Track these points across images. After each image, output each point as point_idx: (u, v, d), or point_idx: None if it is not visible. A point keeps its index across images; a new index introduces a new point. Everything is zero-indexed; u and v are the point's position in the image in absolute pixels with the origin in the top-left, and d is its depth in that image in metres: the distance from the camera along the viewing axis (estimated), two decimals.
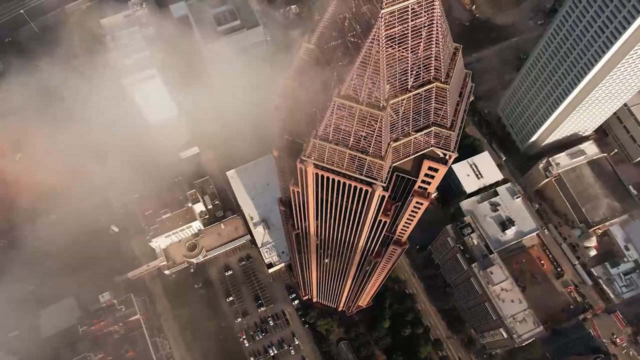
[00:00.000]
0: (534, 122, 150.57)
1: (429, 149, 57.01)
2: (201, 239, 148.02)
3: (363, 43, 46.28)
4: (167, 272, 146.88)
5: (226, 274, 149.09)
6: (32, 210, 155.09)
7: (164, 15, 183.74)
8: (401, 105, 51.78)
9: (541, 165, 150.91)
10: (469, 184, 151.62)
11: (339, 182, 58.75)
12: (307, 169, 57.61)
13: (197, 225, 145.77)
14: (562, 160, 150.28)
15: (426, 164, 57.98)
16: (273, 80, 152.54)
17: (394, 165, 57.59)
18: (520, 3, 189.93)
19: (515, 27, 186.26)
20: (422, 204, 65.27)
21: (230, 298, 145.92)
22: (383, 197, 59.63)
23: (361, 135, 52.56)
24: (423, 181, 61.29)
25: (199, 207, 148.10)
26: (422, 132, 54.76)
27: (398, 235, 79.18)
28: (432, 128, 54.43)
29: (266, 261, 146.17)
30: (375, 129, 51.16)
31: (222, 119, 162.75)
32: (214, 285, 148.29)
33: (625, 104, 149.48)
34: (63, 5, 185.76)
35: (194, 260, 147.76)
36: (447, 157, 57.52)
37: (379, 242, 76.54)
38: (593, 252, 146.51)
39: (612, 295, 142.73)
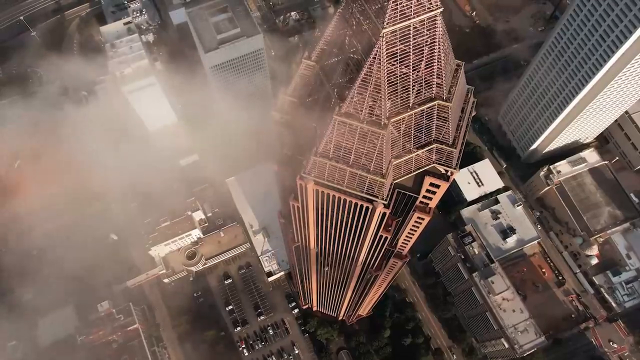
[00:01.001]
0: (535, 130, 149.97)
1: (430, 165, 56.38)
2: (200, 247, 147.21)
3: (364, 61, 45.74)
4: (166, 280, 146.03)
5: (225, 282, 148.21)
6: (31, 218, 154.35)
7: (164, 21, 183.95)
8: (402, 123, 51.18)
9: (542, 173, 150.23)
10: (470, 191, 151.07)
11: (339, 198, 58.09)
12: (308, 185, 56.95)
13: (196, 233, 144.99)
14: (563, 168, 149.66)
15: (428, 180, 57.33)
16: (273, 88, 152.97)
17: (395, 181, 56.91)
18: (520, 10, 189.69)
19: (516, 33, 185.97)
20: (423, 219, 64.63)
21: (230, 307, 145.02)
22: (384, 214, 58.93)
23: (362, 153, 51.91)
24: (424, 197, 60.65)
25: (198, 215, 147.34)
26: (424, 149, 54.11)
27: (399, 249, 78.49)
28: (434, 145, 53.81)
29: (266, 270, 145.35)
30: (376, 147, 50.51)
31: (222, 125, 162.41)
32: (213, 293, 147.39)
33: (626, 111, 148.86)
34: (62, 11, 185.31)
35: (193, 269, 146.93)
36: (449, 173, 56.91)
37: (380, 255, 75.81)
38: (594, 261, 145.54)
39: (613, 304, 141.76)
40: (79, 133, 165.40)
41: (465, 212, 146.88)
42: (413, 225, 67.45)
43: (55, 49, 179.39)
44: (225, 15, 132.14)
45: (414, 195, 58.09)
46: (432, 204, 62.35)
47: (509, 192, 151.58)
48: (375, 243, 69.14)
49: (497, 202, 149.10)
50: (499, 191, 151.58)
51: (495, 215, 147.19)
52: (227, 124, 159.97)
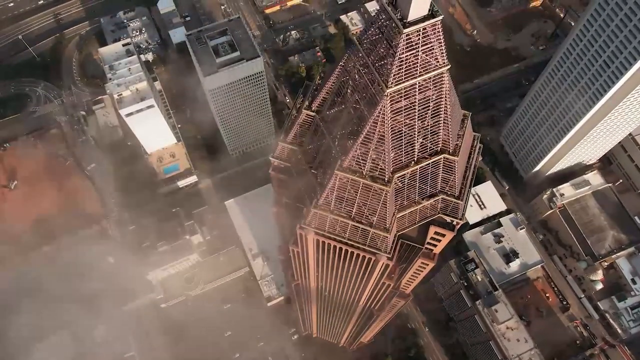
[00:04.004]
0: (538, 152, 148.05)
1: (436, 216, 54.47)
2: (199, 271, 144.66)
3: (367, 115, 43.93)
4: (163, 305, 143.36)
5: (224, 307, 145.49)
6: (27, 239, 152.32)
7: (164, 40, 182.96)
8: (407, 175, 49.28)
9: (545, 195, 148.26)
10: (472, 214, 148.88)
11: (340, 248, 56.07)
12: (307, 236, 54.96)
13: (194, 257, 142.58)
14: (567, 190, 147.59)
15: (432, 229, 55.55)
16: (273, 108, 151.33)
17: (399, 233, 54.94)
18: (521, 28, 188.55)
19: (517, 52, 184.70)
20: (427, 264, 62.66)
21: (229, 332, 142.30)
22: (387, 265, 56.88)
23: (364, 207, 50.00)
24: (429, 243, 58.74)
25: (196, 239, 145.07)
26: (429, 201, 52.21)
27: (402, 288, 76.33)
28: (440, 197, 51.92)
29: (265, 294, 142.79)
30: (379, 202, 48.61)
31: (221, 146, 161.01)
32: (212, 318, 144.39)
33: (629, 133, 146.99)
34: (61, 30, 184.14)
35: (192, 293, 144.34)
36: (454, 222, 55.01)
37: (382, 298, 73.65)
38: (599, 286, 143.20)
39: (619, 330, 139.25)
40: (76, 154, 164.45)
41: (468, 236, 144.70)
42: (417, 269, 65.49)
43: (54, 68, 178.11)
44: (224, 38, 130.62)
45: (418, 246, 56.06)
46: (437, 250, 60.44)
47: (512, 215, 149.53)
48: (378, 289, 67.04)
49: (499, 225, 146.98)
50: (501, 214, 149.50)
51: (498, 238, 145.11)
52: (226, 144, 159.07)
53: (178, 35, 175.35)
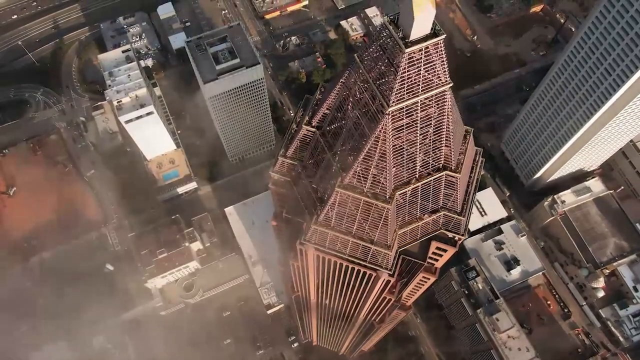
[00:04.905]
0: (539, 159, 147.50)
1: (438, 232, 53.84)
2: (198, 279, 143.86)
3: (367, 132, 43.34)
4: (163, 313, 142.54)
5: (224, 314, 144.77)
6: (25, 248, 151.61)
7: (164, 46, 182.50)
8: (408, 193, 48.66)
9: (546, 202, 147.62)
10: (473, 221, 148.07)
11: (341, 264, 55.43)
12: (308, 251, 54.33)
13: (194, 264, 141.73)
14: (568, 197, 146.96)
15: (434, 244, 54.91)
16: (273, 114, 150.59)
17: (400, 248, 54.32)
18: (521, 34, 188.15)
19: (517, 58, 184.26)
20: (429, 278, 62.02)
21: (228, 340, 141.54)
22: (388, 280, 56.25)
23: (365, 224, 49.36)
24: (430, 258, 58.12)
25: (196, 246, 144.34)
26: (431, 217, 51.59)
27: (403, 300, 75.71)
28: (442, 212, 51.30)
29: (265, 302, 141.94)
30: (380, 219, 47.99)
31: (221, 153, 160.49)
32: (212, 326, 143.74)
33: (630, 140, 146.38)
34: (61, 36, 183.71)
35: (191, 301, 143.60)
36: (456, 238, 54.39)
37: (383, 311, 72.98)
38: (601, 293, 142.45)
39: (621, 338, 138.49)
40: (76, 160, 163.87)
41: (469, 243, 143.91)
42: (418, 283, 64.86)
43: (53, 73, 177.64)
44: (224, 45, 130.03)
45: (420, 262, 55.44)
46: (439, 264, 59.81)
47: (513, 222, 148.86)
48: (378, 302, 66.38)
49: (500, 232, 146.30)
50: (502, 221, 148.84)
51: (499, 245, 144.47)
52: (226, 151, 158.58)
53: (178, 41, 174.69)
